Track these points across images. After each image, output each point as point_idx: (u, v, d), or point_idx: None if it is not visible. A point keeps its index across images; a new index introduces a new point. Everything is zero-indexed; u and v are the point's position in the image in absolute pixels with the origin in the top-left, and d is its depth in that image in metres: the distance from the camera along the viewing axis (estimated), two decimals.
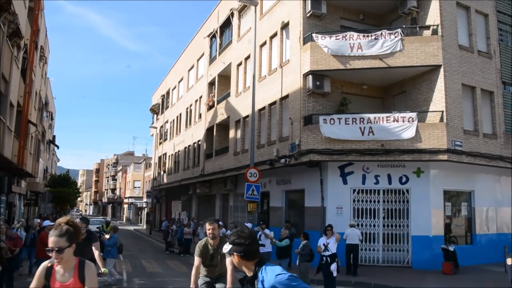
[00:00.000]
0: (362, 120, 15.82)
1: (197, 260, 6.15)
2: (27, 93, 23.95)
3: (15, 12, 17.31)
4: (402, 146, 15.61)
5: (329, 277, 11.06)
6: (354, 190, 16.70)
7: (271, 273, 2.88)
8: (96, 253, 7.33)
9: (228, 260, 5.75)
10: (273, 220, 19.02)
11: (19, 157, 22.62)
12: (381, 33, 16.16)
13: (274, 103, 19.59)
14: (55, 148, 56.10)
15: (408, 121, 15.53)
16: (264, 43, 20.78)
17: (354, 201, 16.67)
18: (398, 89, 18.28)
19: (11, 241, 10.63)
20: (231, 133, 24.25)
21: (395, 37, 16.00)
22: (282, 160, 17.70)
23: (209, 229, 6.14)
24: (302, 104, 17.06)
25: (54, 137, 51.33)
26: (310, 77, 16.74)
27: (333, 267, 10.93)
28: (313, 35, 16.68)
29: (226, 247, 3.09)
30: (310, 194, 17.53)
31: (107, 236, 13.17)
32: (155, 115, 47.50)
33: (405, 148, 15.59)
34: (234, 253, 3.04)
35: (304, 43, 17.17)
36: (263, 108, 20.45)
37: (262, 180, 18.71)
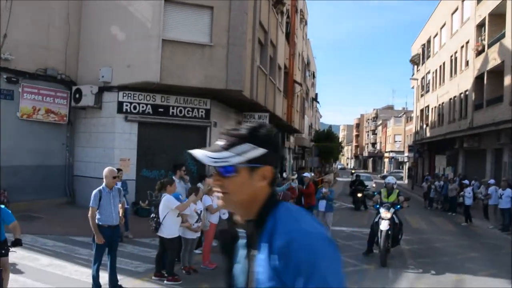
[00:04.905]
0: None
1: None
2: (291, 55, 26.24)
3: None
4: None
5: None
6: None
7: (291, 222, 1.38)
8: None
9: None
10: None
11: (288, 114, 25.26)
12: None
13: None
14: (318, 105, 60.34)
15: None
16: None
17: None
18: None
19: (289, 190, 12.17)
20: (506, 80, 21.30)
21: None
22: None
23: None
24: None
25: (316, 94, 55.17)
26: None
27: None
28: None
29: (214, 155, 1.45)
30: None
31: (324, 190, 12.32)
32: (415, 66, 45.63)
33: None
34: (239, 167, 1.44)
35: None
36: None
37: None
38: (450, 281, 8.56)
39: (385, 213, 9.98)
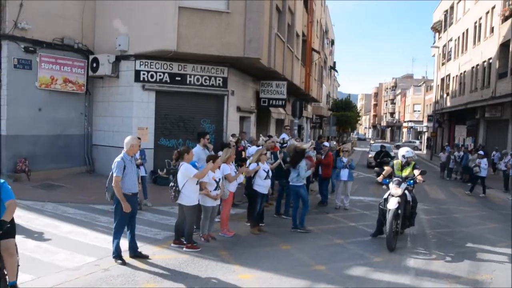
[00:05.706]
0: None
1: None
2: (310, 23, 25.69)
3: None
4: None
5: None
6: None
7: None
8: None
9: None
10: None
11: (305, 83, 24.92)
12: None
13: None
14: (336, 73, 59.45)
15: None
16: None
17: None
18: None
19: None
20: None
21: None
22: None
23: None
24: None
25: (334, 63, 54.22)
26: None
27: None
28: None
29: None
30: None
31: (344, 159, 12.36)
32: (437, 34, 44.42)
33: None
34: None
35: None
36: None
37: None
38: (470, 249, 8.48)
39: (395, 189, 8.28)
